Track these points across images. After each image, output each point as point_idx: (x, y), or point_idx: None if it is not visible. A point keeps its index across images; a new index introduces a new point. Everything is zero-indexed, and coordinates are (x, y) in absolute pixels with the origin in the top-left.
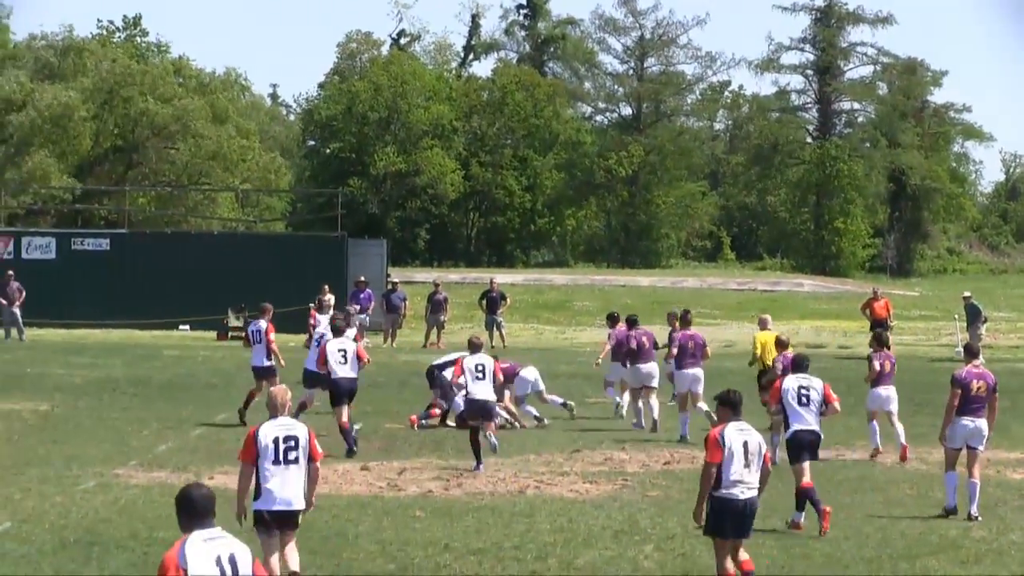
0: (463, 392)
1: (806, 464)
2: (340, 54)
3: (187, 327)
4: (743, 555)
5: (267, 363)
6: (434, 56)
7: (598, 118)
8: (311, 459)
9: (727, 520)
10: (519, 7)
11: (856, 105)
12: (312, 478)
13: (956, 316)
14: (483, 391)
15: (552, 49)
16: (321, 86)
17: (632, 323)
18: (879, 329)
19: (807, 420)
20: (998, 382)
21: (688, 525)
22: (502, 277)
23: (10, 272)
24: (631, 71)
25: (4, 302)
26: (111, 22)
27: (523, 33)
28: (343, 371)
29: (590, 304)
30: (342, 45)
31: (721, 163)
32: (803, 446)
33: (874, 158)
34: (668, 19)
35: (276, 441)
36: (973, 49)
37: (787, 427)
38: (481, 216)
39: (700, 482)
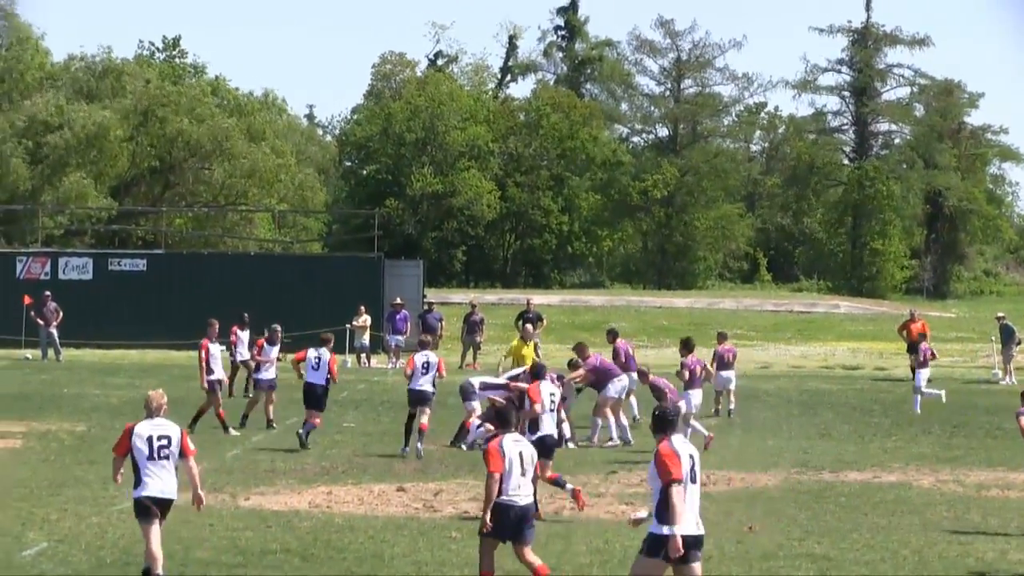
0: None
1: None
2: (375, 75)
3: (223, 348)
4: (535, 559)
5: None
6: (471, 77)
7: (634, 139)
8: (183, 455)
9: (507, 524)
10: (557, 28)
11: (893, 126)
12: (190, 473)
13: (993, 338)
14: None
15: (589, 70)
16: (354, 110)
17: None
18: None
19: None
20: None
21: (724, 546)
22: (538, 298)
23: (47, 293)
24: (667, 92)
25: (41, 322)
26: (151, 43)
27: (561, 54)
28: (314, 376)
29: (627, 325)
30: (377, 67)
31: (757, 184)
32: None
33: (911, 179)
34: (705, 40)
35: (150, 439)
36: (1010, 71)
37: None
38: (517, 237)
39: (486, 492)
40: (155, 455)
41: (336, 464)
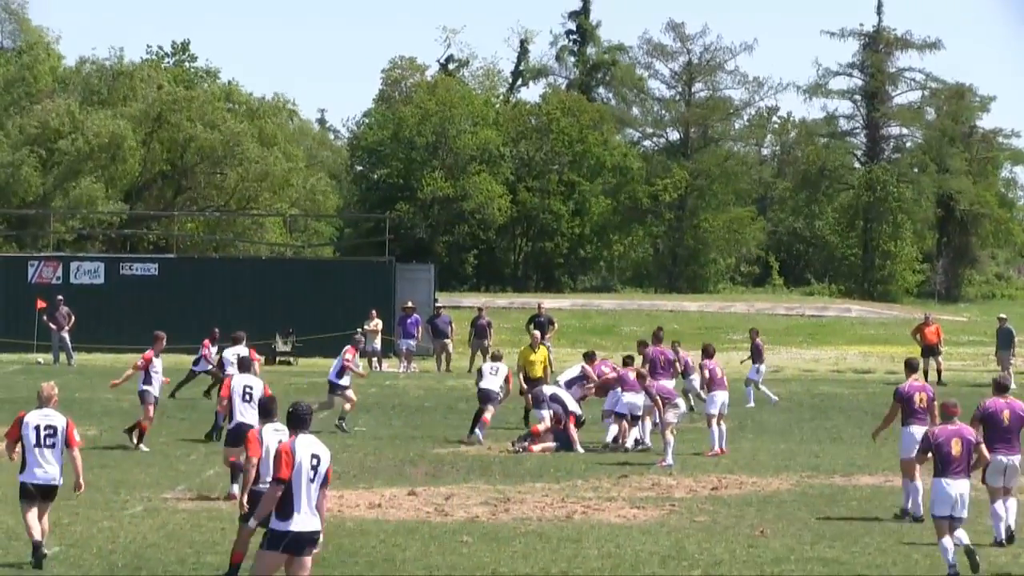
0: None
1: None
2: (385, 79)
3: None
4: None
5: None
6: (482, 81)
7: (645, 143)
8: (68, 445)
9: None
10: (569, 32)
11: (904, 130)
12: (74, 463)
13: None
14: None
15: (601, 75)
16: (366, 114)
17: (709, 353)
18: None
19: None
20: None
21: (736, 551)
22: (549, 302)
23: (60, 297)
24: (678, 96)
25: (53, 327)
26: (160, 47)
27: (572, 59)
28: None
29: (638, 329)
30: (386, 71)
31: (769, 188)
32: None
33: (922, 183)
34: (716, 44)
35: (37, 428)
36: (1021, 74)
37: None
38: (528, 241)
39: (244, 476)
40: (41, 443)
41: (348, 468)
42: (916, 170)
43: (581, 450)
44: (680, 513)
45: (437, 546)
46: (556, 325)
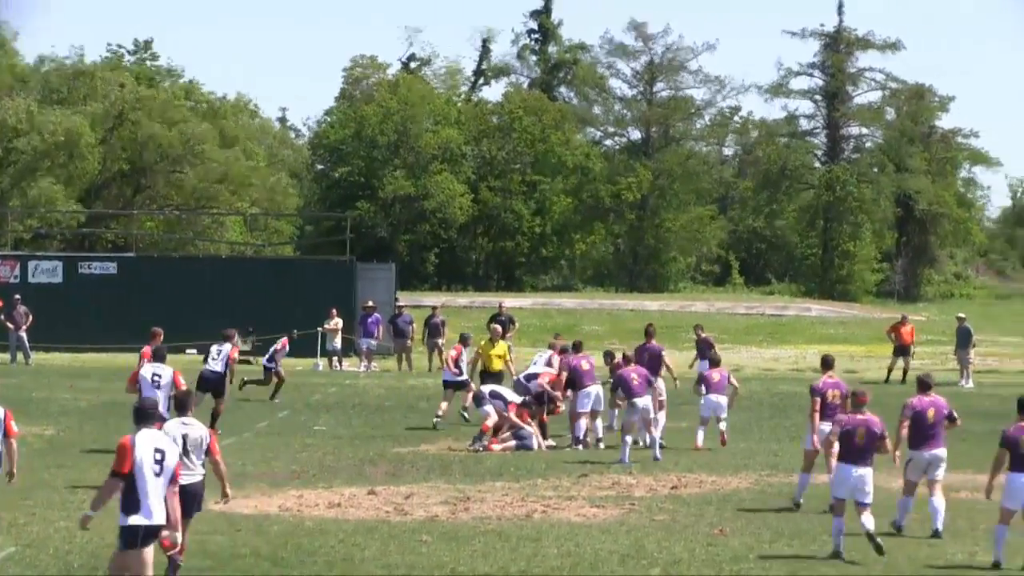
0: None
1: None
2: (346, 78)
3: (194, 351)
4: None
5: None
6: (444, 80)
7: (607, 142)
8: (6, 435)
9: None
10: (530, 32)
11: (864, 130)
12: (10, 453)
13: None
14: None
15: (563, 74)
16: (327, 112)
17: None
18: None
19: None
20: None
21: (695, 549)
22: (510, 301)
23: (17, 296)
24: (640, 95)
25: (11, 326)
26: (120, 46)
27: (534, 58)
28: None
29: (599, 328)
30: (348, 70)
31: (730, 187)
32: None
33: (882, 183)
34: (678, 44)
35: None
36: (980, 74)
37: None
38: (490, 240)
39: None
40: None
41: (307, 468)
42: (876, 170)
43: (542, 444)
44: (640, 512)
45: (396, 545)
46: (517, 324)
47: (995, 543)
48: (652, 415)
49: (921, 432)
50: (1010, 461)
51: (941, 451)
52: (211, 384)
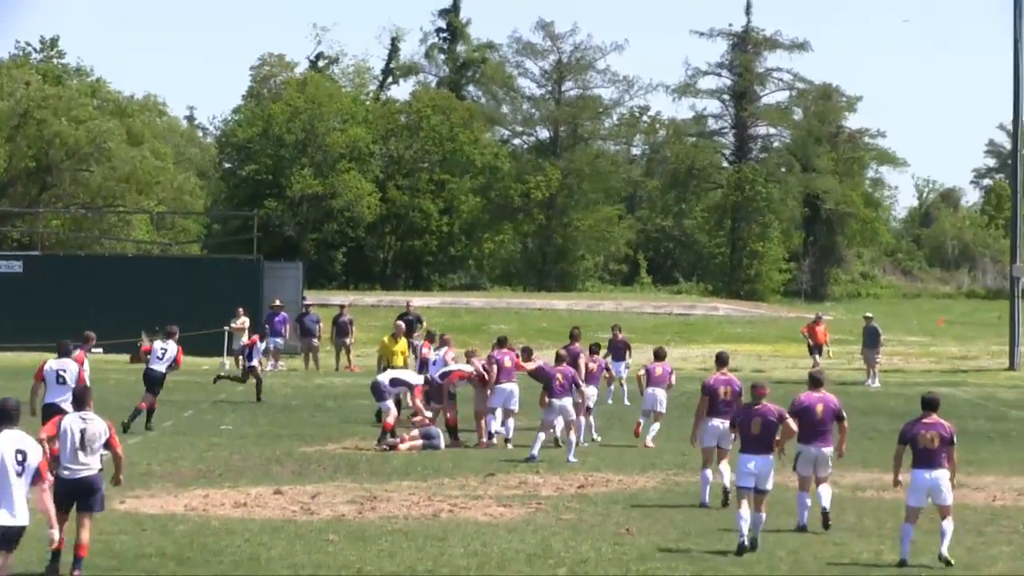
0: None
1: None
2: (254, 77)
3: (100, 350)
4: (84, 536)
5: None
6: (353, 79)
7: (515, 141)
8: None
9: (63, 495)
10: (439, 31)
11: (772, 130)
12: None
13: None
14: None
15: (471, 73)
16: (235, 110)
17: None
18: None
19: None
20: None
21: (601, 548)
22: (418, 300)
23: None
24: (548, 95)
25: None
26: (28, 44)
27: (443, 56)
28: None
29: (506, 327)
30: (255, 68)
31: (638, 187)
32: None
33: (789, 183)
34: (586, 43)
35: None
36: (887, 75)
37: None
38: (398, 239)
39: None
40: None
41: (213, 467)
42: (783, 170)
43: (443, 440)
44: (546, 511)
45: (303, 545)
46: (425, 323)
47: (901, 541)
48: (572, 417)
49: (810, 428)
50: (913, 457)
51: (829, 449)
52: (156, 383)
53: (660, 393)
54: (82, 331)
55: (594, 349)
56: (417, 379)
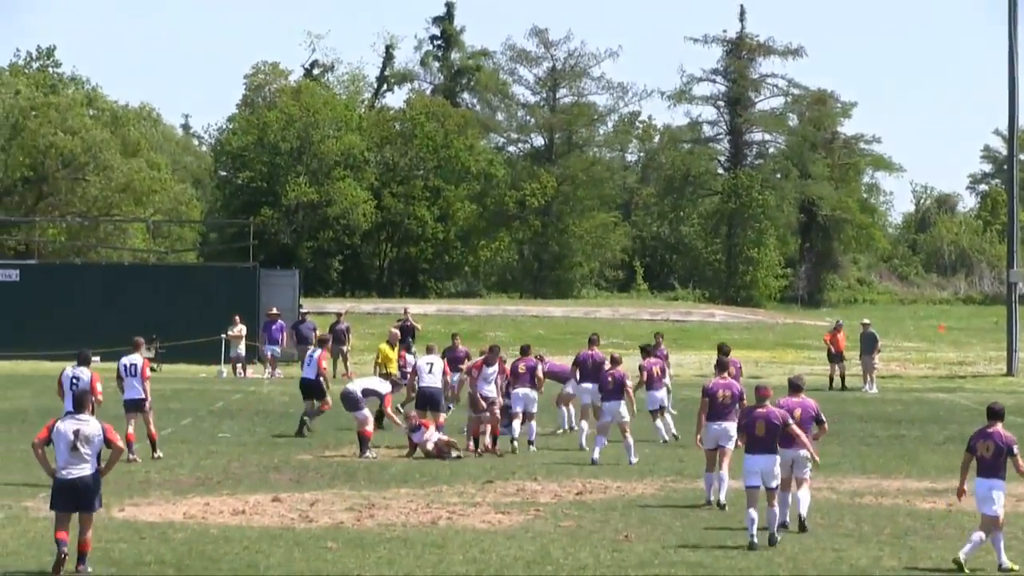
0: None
1: None
2: (248, 85)
3: (97, 358)
4: (86, 535)
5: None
6: (347, 86)
7: (511, 149)
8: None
9: (60, 496)
10: (433, 38)
11: (767, 136)
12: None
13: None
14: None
15: (466, 80)
16: (230, 119)
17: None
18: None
19: None
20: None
21: (600, 555)
22: (415, 307)
23: None
24: (543, 102)
25: None
26: (29, 52)
27: (437, 64)
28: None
29: (503, 334)
30: (250, 76)
31: (633, 193)
32: None
33: (785, 189)
34: (580, 50)
35: None
36: (883, 80)
37: None
38: (394, 247)
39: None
40: None
41: (211, 475)
42: (779, 176)
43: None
44: (545, 518)
45: (301, 552)
46: (420, 329)
47: (968, 544)
48: (625, 419)
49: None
50: (976, 467)
51: (805, 452)
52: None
53: (661, 394)
54: (78, 339)
55: (650, 350)
56: (386, 387)
